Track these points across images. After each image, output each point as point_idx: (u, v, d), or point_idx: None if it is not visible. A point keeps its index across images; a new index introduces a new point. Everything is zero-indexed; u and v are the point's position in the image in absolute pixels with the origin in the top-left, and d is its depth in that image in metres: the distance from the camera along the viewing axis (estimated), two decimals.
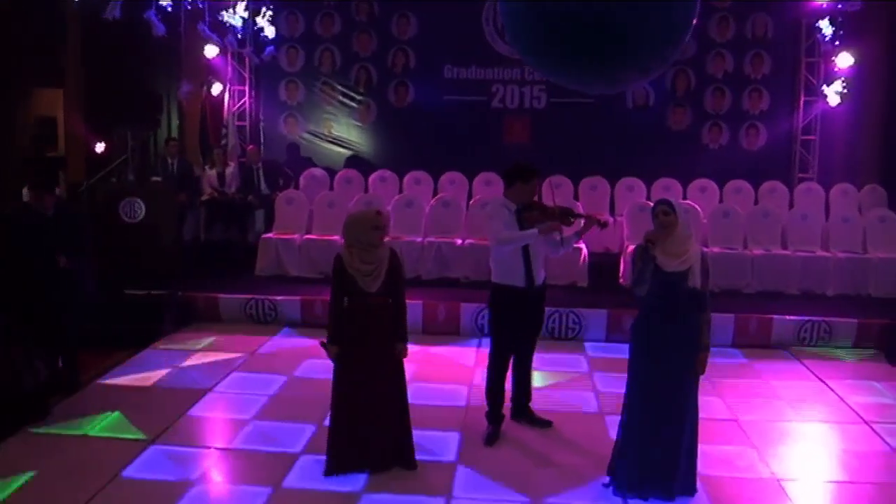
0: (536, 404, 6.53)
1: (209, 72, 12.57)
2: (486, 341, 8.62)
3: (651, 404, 4.95)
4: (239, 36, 12.00)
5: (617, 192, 11.69)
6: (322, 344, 5.41)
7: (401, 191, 11.76)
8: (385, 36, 12.45)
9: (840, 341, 8.71)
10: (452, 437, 6.17)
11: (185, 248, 11.21)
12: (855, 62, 11.40)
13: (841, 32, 11.29)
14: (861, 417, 6.73)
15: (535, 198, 6.11)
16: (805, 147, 12.09)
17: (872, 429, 6.49)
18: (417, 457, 5.58)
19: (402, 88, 12.49)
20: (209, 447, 5.97)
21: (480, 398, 6.40)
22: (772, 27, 11.98)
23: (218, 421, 6.58)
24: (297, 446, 5.95)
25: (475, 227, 10.32)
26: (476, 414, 6.50)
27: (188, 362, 7.94)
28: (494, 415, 6.18)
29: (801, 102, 12.00)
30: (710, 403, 6.83)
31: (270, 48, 12.42)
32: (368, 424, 5.37)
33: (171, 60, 12.79)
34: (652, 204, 5.05)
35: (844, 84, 11.38)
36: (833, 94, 11.36)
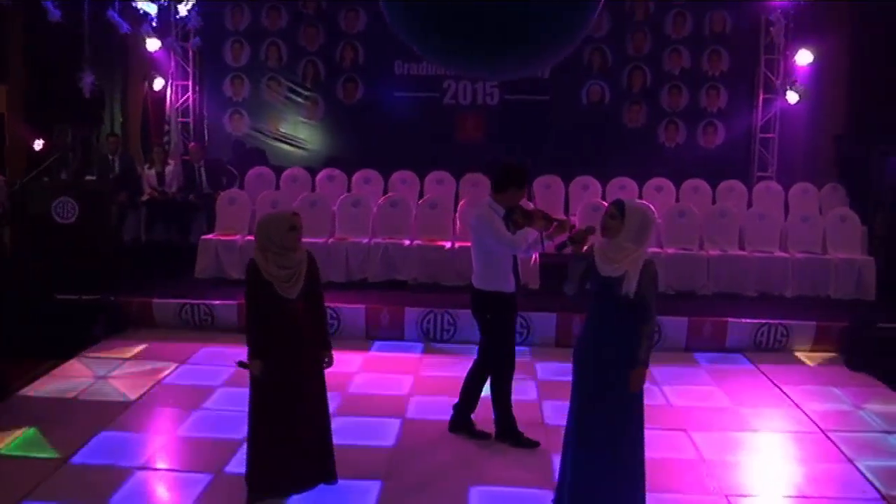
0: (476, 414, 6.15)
1: (151, 66, 12.12)
2: (436, 346, 8.42)
3: (586, 422, 4.58)
4: (154, 24, 11.39)
5: (571, 191, 11.35)
6: (240, 364, 4.95)
7: (349, 190, 11.37)
8: (333, 30, 12.05)
9: (798, 344, 8.42)
10: (383, 453, 5.79)
11: (125, 249, 10.77)
12: (814, 59, 11.16)
13: (791, 25, 11.07)
14: (818, 426, 6.42)
15: None
16: (764, 145, 11.86)
17: (829, 438, 6.18)
18: (344, 472, 5.18)
19: (352, 84, 12.08)
20: (125, 467, 5.51)
21: (419, 409, 5.99)
22: (730, 23, 11.74)
23: (137, 438, 6.08)
24: (220, 465, 5.53)
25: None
26: (411, 427, 6.12)
27: (116, 372, 7.47)
28: (513, 426, 5.93)
29: (760, 100, 11.77)
30: (658, 413, 6.51)
31: (196, 39, 11.97)
32: (293, 444, 4.92)
33: (113, 56, 12.35)
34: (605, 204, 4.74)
35: (794, 80, 11.14)
36: (792, 92, 11.08)
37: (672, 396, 6.99)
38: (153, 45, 11.62)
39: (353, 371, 7.55)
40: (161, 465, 5.62)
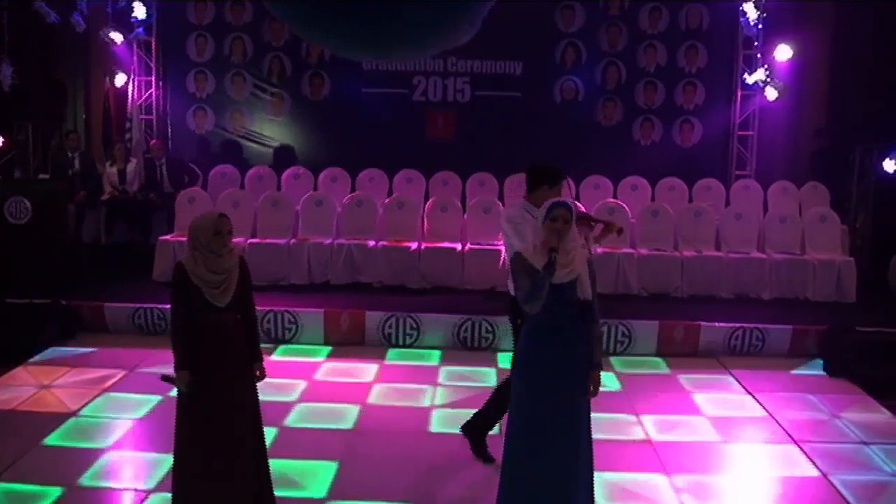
0: (440, 425, 5.84)
1: (113, 62, 11.73)
2: (399, 353, 8.09)
3: (537, 436, 4.23)
4: (83, 13, 10.90)
5: None
6: (164, 378, 4.55)
7: (316, 188, 11.02)
8: None
9: (774, 349, 8.10)
10: (329, 468, 5.43)
11: (83, 250, 10.39)
12: (794, 54, 10.85)
13: (764, 16, 10.75)
14: (791, 437, 6.09)
15: None
16: (742, 143, 11.53)
17: (802, 450, 5.86)
18: (286, 493, 4.82)
19: (318, 80, 11.70)
20: (57, 485, 5.14)
21: (371, 421, 5.62)
22: (707, 18, 11.40)
23: (73, 452, 5.70)
24: (151, 482, 5.19)
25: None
26: (361, 439, 5.77)
27: (60, 380, 7.11)
28: (485, 433, 5.60)
29: (738, 96, 11.43)
30: (622, 422, 6.19)
31: (139, 30, 11.55)
32: (223, 468, 4.49)
33: (76, 50, 12.00)
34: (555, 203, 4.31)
35: (768, 72, 10.79)
36: (770, 88, 10.76)
37: (639, 404, 6.64)
38: (116, 38, 11.31)
39: (307, 378, 7.23)
40: (93, 483, 5.25)
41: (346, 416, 6.38)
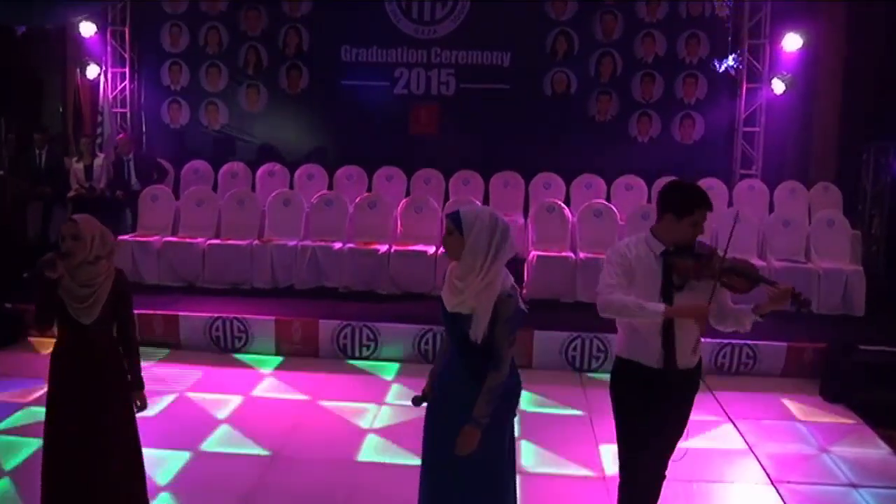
0: (371, 453, 5.12)
1: (85, 53, 11.21)
2: (353, 366, 7.46)
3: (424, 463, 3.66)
4: None
5: (532, 190, 10.32)
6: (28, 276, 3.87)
7: (291, 186, 10.41)
8: (276, 13, 11.00)
9: (766, 368, 7.33)
10: None
11: (48, 249, 9.83)
12: (804, 45, 10.06)
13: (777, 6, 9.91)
14: (768, 476, 5.32)
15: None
16: (748, 140, 10.67)
17: (779, 493, 5.08)
18: None
19: (295, 72, 11.04)
20: None
21: (295, 446, 5.07)
22: (709, 5, 10.50)
23: None
24: None
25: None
26: (276, 469, 5.11)
27: None
28: None
29: (744, 90, 10.57)
30: (579, 453, 5.47)
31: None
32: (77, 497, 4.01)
33: (51, 43, 11.53)
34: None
35: (740, 57, 10.11)
36: (777, 80, 9.95)
37: (599, 429, 5.88)
38: (87, 29, 10.87)
39: (244, 393, 6.61)
40: None
41: (270, 439, 5.72)
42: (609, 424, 5.48)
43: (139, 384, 4.16)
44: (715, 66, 10.40)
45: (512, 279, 3.44)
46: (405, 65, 10.81)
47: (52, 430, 4.03)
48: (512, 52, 10.66)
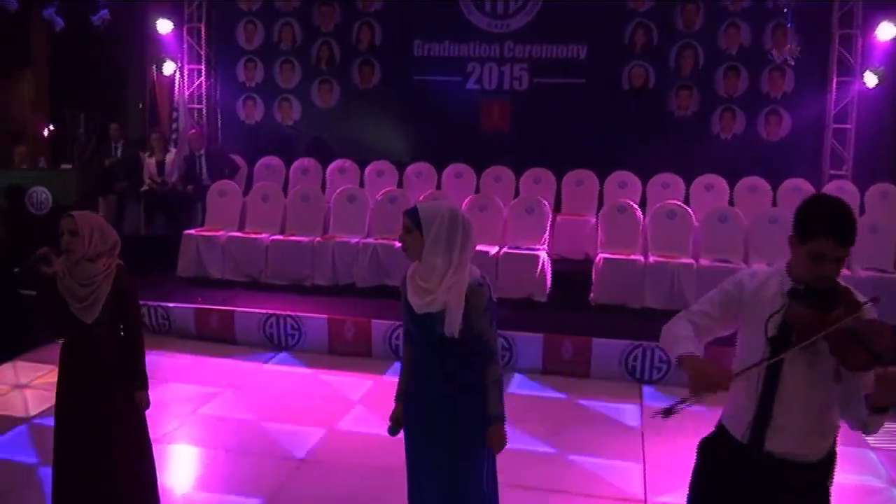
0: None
1: (162, 50, 11.39)
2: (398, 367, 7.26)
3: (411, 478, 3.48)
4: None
5: (607, 189, 9.90)
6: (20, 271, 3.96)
7: (361, 183, 10.29)
8: (349, 8, 10.94)
9: None
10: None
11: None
12: None
13: None
14: None
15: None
16: (838, 138, 10.01)
17: None
18: None
19: (367, 67, 10.95)
20: None
21: (330, 449, 5.00)
22: None
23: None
24: None
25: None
26: (303, 472, 4.95)
27: (38, 380, 6.73)
28: None
29: (834, 83, 9.91)
30: (622, 475, 5.11)
31: (104, 11, 10.88)
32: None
33: (133, 40, 11.78)
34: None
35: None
36: (870, 73, 9.31)
37: (651, 448, 5.50)
38: (164, 26, 11.05)
39: (286, 392, 6.47)
40: None
41: (305, 441, 5.57)
42: (662, 446, 5.17)
43: (141, 384, 4.07)
44: (773, 56, 9.82)
45: (479, 271, 3.28)
46: (477, 59, 10.57)
47: (60, 428, 4.01)
48: (588, 45, 10.28)
